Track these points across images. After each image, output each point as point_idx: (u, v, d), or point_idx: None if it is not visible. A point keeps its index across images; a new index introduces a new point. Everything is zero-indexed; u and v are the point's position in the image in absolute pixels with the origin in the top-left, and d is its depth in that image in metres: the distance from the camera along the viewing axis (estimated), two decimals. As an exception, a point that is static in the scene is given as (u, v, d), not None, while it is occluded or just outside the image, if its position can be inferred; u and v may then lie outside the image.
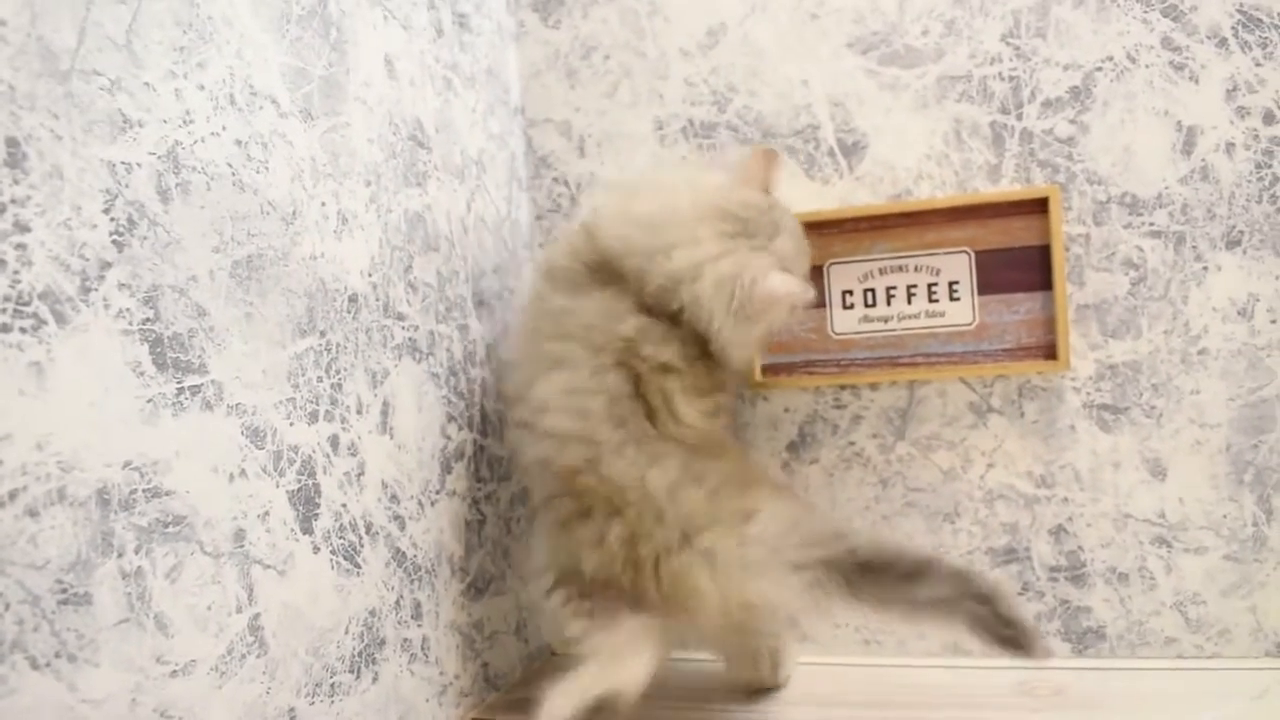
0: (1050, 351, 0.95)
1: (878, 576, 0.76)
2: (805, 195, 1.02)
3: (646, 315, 0.82)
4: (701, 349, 0.84)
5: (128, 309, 0.58)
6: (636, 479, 0.79)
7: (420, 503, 0.87)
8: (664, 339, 0.82)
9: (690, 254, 0.82)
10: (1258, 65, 0.90)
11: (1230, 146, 0.92)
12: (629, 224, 0.85)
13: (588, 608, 0.81)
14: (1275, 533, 0.92)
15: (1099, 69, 0.94)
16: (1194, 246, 0.93)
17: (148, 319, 0.60)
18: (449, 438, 0.93)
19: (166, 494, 0.60)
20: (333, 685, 0.74)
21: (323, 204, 0.76)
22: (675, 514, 0.78)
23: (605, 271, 0.85)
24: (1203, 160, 0.92)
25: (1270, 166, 0.91)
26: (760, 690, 0.95)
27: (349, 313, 0.79)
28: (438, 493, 0.90)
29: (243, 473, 0.67)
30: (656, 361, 0.81)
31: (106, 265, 0.57)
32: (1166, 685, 0.90)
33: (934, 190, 0.99)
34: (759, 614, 0.80)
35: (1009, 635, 0.74)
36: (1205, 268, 0.93)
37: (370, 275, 0.82)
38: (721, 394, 0.87)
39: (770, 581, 0.77)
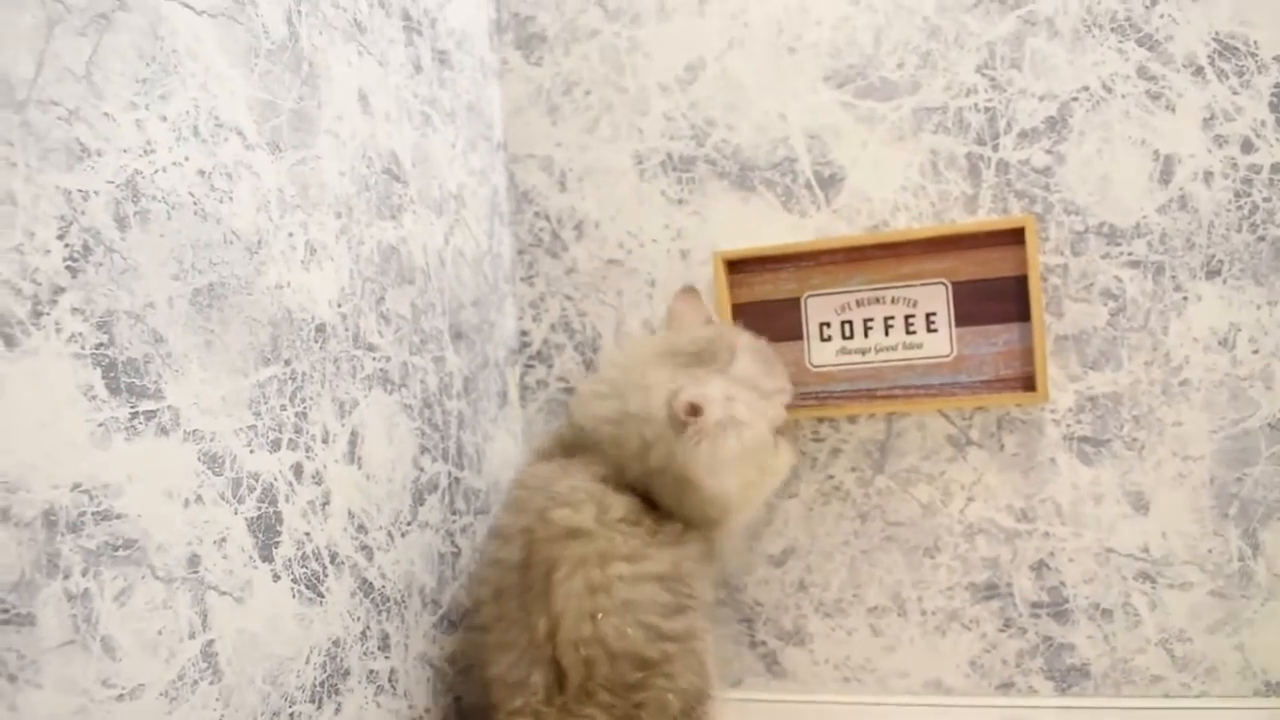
0: (1029, 383, 0.94)
1: None
2: (782, 228, 1.03)
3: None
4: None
5: (80, 333, 0.59)
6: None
7: (390, 533, 0.87)
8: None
9: (643, 395, 0.84)
10: (1234, 94, 0.90)
11: (1209, 175, 0.91)
12: (593, 399, 0.89)
13: None
14: (1262, 568, 0.90)
15: (1075, 99, 0.94)
16: (1173, 276, 0.92)
17: (101, 344, 0.60)
18: (422, 469, 0.93)
19: (117, 517, 0.61)
20: (292, 714, 0.74)
21: (290, 234, 0.77)
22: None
23: (577, 446, 0.89)
24: (1181, 189, 0.92)
25: (1249, 195, 0.90)
26: None
27: (316, 342, 0.79)
28: (409, 524, 0.90)
29: (199, 498, 0.67)
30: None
31: (59, 290, 0.58)
32: (1151, 723, 0.88)
33: (911, 221, 0.99)
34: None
35: None
36: (1185, 297, 0.92)
37: (340, 306, 0.82)
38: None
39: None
